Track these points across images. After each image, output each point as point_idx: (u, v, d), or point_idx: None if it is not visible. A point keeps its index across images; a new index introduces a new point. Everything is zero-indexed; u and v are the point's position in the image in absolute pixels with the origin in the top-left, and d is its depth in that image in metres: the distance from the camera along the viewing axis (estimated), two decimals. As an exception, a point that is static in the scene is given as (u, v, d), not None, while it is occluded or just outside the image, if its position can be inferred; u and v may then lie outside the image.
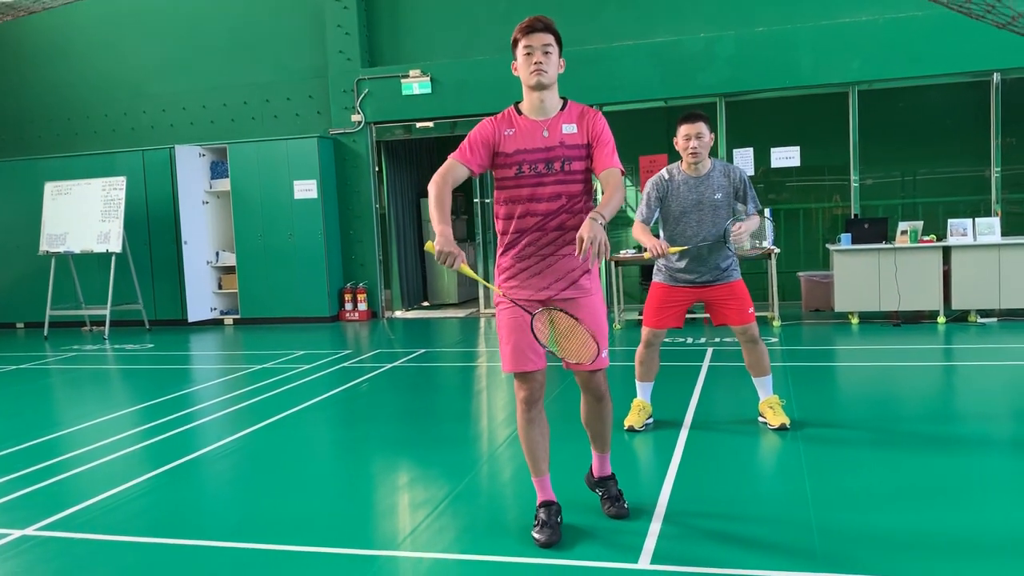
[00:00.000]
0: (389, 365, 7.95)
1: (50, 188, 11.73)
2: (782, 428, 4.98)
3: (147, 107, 12.71)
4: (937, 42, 9.65)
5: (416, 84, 11.30)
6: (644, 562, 3.27)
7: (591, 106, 3.71)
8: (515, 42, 3.48)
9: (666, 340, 8.59)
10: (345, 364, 8.12)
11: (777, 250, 9.38)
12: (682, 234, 4.98)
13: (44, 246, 11.59)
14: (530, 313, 3.27)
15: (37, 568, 3.53)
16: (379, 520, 4.03)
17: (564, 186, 3.45)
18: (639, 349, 5.21)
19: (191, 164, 11.71)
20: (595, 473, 3.94)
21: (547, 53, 3.41)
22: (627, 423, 5.14)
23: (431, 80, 11.28)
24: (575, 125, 3.47)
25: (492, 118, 3.55)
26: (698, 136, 4.84)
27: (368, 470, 4.89)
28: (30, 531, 3.93)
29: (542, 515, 3.56)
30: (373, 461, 5.07)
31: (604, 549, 3.41)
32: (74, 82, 12.96)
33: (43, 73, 13.10)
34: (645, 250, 4.80)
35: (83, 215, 11.44)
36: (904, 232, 9.05)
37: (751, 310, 5.03)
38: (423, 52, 11.57)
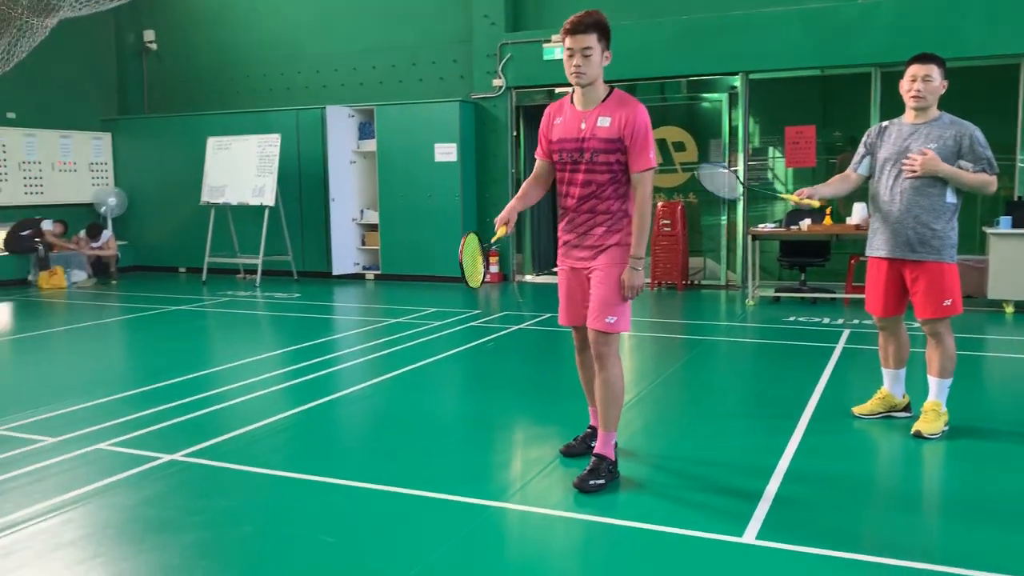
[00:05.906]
0: (515, 327, 8.11)
1: (212, 143, 12.53)
2: (916, 435, 4.46)
3: (302, 67, 13.30)
4: None
5: (558, 49, 11.29)
6: (749, 536, 3.26)
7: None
8: (562, 36, 3.72)
9: (800, 319, 8.35)
10: (474, 323, 8.34)
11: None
12: (875, 187, 4.51)
13: (205, 197, 12.42)
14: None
15: (181, 489, 3.89)
16: (492, 471, 4.18)
17: (592, 175, 3.73)
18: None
19: (341, 124, 12.20)
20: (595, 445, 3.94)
21: (587, 56, 3.64)
22: (856, 410, 4.85)
23: (574, 45, 11.22)
24: (610, 118, 3.68)
25: (550, 106, 3.90)
26: (925, 79, 4.34)
27: (487, 424, 5.05)
28: (178, 456, 4.31)
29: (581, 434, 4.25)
30: (492, 416, 5.23)
31: (710, 520, 3.41)
32: (236, 43, 13.70)
33: (209, 35, 13.91)
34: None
35: (240, 169, 12.15)
36: (1074, 217, 8.37)
37: (947, 302, 4.35)
38: (567, 16, 11.49)
